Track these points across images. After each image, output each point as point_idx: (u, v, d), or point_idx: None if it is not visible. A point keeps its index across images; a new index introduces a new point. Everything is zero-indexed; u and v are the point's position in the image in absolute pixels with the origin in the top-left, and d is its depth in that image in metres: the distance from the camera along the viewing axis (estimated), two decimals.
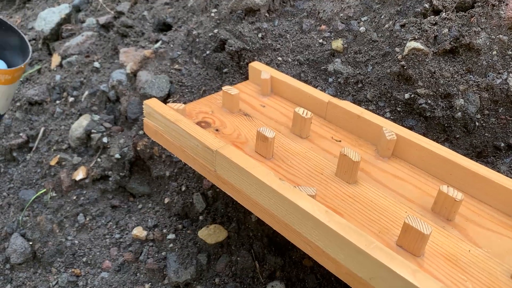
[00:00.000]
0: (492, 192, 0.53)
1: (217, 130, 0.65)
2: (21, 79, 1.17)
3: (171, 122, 0.58)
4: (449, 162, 0.55)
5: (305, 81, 0.74)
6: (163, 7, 1.04)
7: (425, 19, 0.65)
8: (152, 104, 0.62)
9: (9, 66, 0.76)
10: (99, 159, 0.92)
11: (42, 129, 1.04)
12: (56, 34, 1.19)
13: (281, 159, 0.60)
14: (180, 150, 0.60)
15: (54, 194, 0.92)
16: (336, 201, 0.53)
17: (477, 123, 0.62)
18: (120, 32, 1.07)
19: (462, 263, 0.46)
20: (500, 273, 0.45)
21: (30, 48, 0.73)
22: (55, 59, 1.14)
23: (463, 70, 0.62)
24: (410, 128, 0.65)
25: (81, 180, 0.91)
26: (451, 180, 0.56)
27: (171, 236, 0.80)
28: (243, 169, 0.50)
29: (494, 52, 0.61)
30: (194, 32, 0.89)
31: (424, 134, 0.65)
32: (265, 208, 0.49)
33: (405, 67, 0.64)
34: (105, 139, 0.92)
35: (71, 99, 1.04)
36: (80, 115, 1.00)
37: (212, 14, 0.87)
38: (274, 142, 0.59)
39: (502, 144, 0.62)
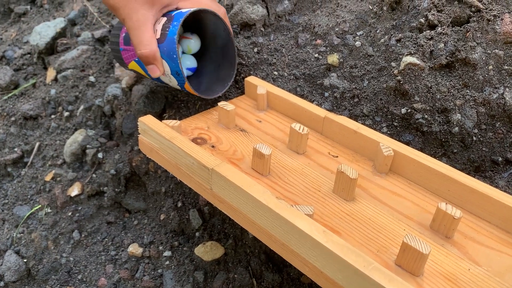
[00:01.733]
0: (490, 209, 0.52)
1: (213, 146, 0.65)
2: (16, 93, 1.16)
3: (166, 140, 0.58)
4: (447, 178, 0.55)
5: (301, 96, 0.74)
6: None
7: (421, 34, 0.65)
8: (147, 121, 0.61)
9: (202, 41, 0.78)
10: (94, 175, 0.91)
11: (37, 144, 1.03)
12: (51, 48, 1.18)
13: (278, 176, 0.59)
14: (175, 167, 0.59)
15: (49, 210, 0.91)
16: (334, 219, 0.52)
17: (474, 138, 0.62)
18: None
19: (462, 282, 0.45)
20: None
21: (234, 72, 0.75)
22: (50, 74, 1.13)
23: (460, 85, 0.62)
24: (407, 143, 0.65)
25: (76, 196, 0.90)
26: (449, 196, 0.56)
27: (167, 253, 0.79)
28: (240, 188, 0.49)
29: (490, 67, 0.61)
30: None
31: (421, 149, 0.65)
32: (262, 228, 0.49)
33: (401, 82, 0.64)
34: (100, 155, 0.91)
35: (66, 113, 1.03)
36: (75, 130, 0.99)
37: None
38: (270, 159, 0.58)
39: (500, 159, 0.62)
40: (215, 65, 0.77)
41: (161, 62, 0.66)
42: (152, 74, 0.66)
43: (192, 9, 0.66)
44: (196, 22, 0.75)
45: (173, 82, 0.69)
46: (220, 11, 0.72)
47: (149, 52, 0.64)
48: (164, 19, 0.67)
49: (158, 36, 0.66)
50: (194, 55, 0.78)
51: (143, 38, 0.64)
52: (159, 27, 0.66)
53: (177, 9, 0.70)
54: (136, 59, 0.72)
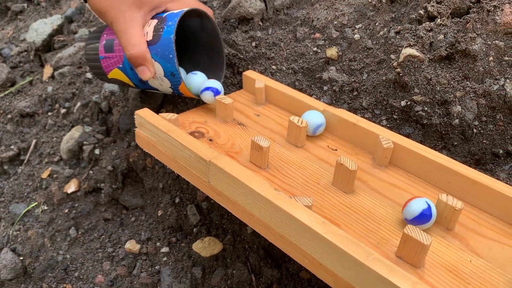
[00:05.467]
0: (492, 200, 0.52)
1: (210, 140, 0.64)
2: (12, 91, 1.15)
3: (163, 133, 0.57)
4: (447, 170, 0.54)
5: (300, 90, 0.73)
6: None
7: (420, 26, 0.64)
8: (144, 114, 0.60)
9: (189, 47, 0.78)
10: (91, 171, 0.90)
11: (34, 141, 1.02)
12: (48, 46, 1.18)
13: (277, 169, 0.58)
14: (173, 161, 0.58)
15: (45, 208, 0.90)
16: (333, 211, 0.52)
17: (475, 130, 0.61)
18: None
19: (463, 274, 0.45)
20: (502, 284, 0.44)
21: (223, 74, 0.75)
22: (47, 71, 1.13)
23: (460, 77, 0.61)
24: (407, 135, 0.64)
25: (73, 192, 0.89)
26: (450, 189, 0.55)
27: (164, 249, 0.78)
28: (237, 180, 0.49)
29: (491, 58, 0.60)
30: None
31: (421, 142, 0.64)
32: (260, 220, 0.48)
33: (400, 74, 0.63)
34: (97, 151, 0.91)
35: (63, 110, 1.02)
36: (72, 126, 0.98)
37: None
38: (269, 152, 0.57)
39: (501, 151, 0.61)
40: (204, 67, 0.77)
41: (151, 63, 0.64)
42: (143, 75, 0.65)
43: (185, 9, 0.65)
44: (182, 25, 0.74)
45: (165, 85, 0.68)
46: (209, 11, 0.71)
47: (138, 53, 0.63)
48: (155, 21, 0.66)
49: (150, 38, 0.64)
50: (184, 57, 0.78)
51: (132, 39, 0.63)
52: (149, 29, 0.65)
53: (165, 11, 0.69)
54: (120, 66, 0.71)
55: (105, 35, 0.72)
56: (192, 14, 0.70)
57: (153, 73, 0.65)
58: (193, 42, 0.77)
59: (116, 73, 0.72)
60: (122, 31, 0.64)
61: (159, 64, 0.64)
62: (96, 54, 0.73)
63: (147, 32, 0.65)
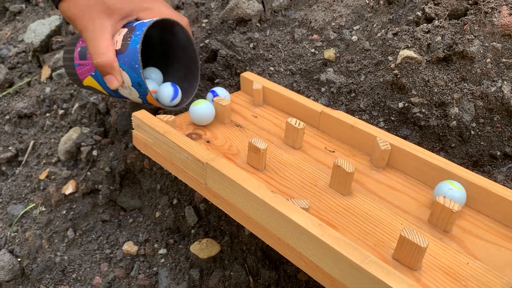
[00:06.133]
0: (489, 203, 0.52)
1: (208, 141, 0.64)
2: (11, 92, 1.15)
3: (160, 134, 0.57)
4: (444, 171, 0.54)
5: (298, 91, 0.73)
6: None
7: (418, 27, 0.64)
8: (141, 116, 0.60)
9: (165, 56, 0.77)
10: (89, 173, 0.90)
11: (32, 142, 1.02)
12: (46, 46, 1.17)
13: (274, 171, 0.58)
14: (169, 163, 0.58)
15: (43, 209, 0.90)
16: (330, 213, 0.52)
17: (472, 132, 0.61)
18: None
19: (461, 276, 0.44)
20: (500, 286, 0.44)
21: (197, 84, 0.73)
22: (45, 72, 1.12)
23: (457, 78, 0.61)
24: (405, 137, 0.64)
25: (70, 194, 0.89)
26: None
27: (162, 251, 0.78)
28: (234, 182, 0.49)
29: (488, 60, 0.60)
30: None
31: (419, 144, 0.64)
32: (257, 222, 0.48)
33: (398, 76, 0.63)
34: (95, 152, 0.90)
35: (61, 111, 1.02)
36: (70, 127, 0.98)
37: (203, 25, 0.86)
38: (266, 154, 0.57)
39: (498, 153, 0.61)
40: (179, 76, 0.76)
41: (119, 72, 0.63)
42: (110, 85, 0.64)
43: (154, 19, 0.64)
44: (158, 33, 0.74)
45: (134, 94, 0.67)
46: (183, 21, 0.70)
47: (106, 61, 0.62)
48: (125, 30, 0.65)
49: (118, 47, 0.64)
50: (167, 66, 0.77)
51: (100, 47, 0.62)
52: (119, 38, 0.64)
53: (137, 19, 0.68)
54: (93, 74, 0.70)
55: (80, 42, 0.72)
56: (166, 24, 0.69)
57: (121, 82, 0.64)
58: (176, 51, 0.76)
59: (89, 81, 0.72)
60: (91, 39, 0.63)
61: (126, 74, 0.64)
62: (72, 61, 0.72)
63: (116, 41, 0.64)
